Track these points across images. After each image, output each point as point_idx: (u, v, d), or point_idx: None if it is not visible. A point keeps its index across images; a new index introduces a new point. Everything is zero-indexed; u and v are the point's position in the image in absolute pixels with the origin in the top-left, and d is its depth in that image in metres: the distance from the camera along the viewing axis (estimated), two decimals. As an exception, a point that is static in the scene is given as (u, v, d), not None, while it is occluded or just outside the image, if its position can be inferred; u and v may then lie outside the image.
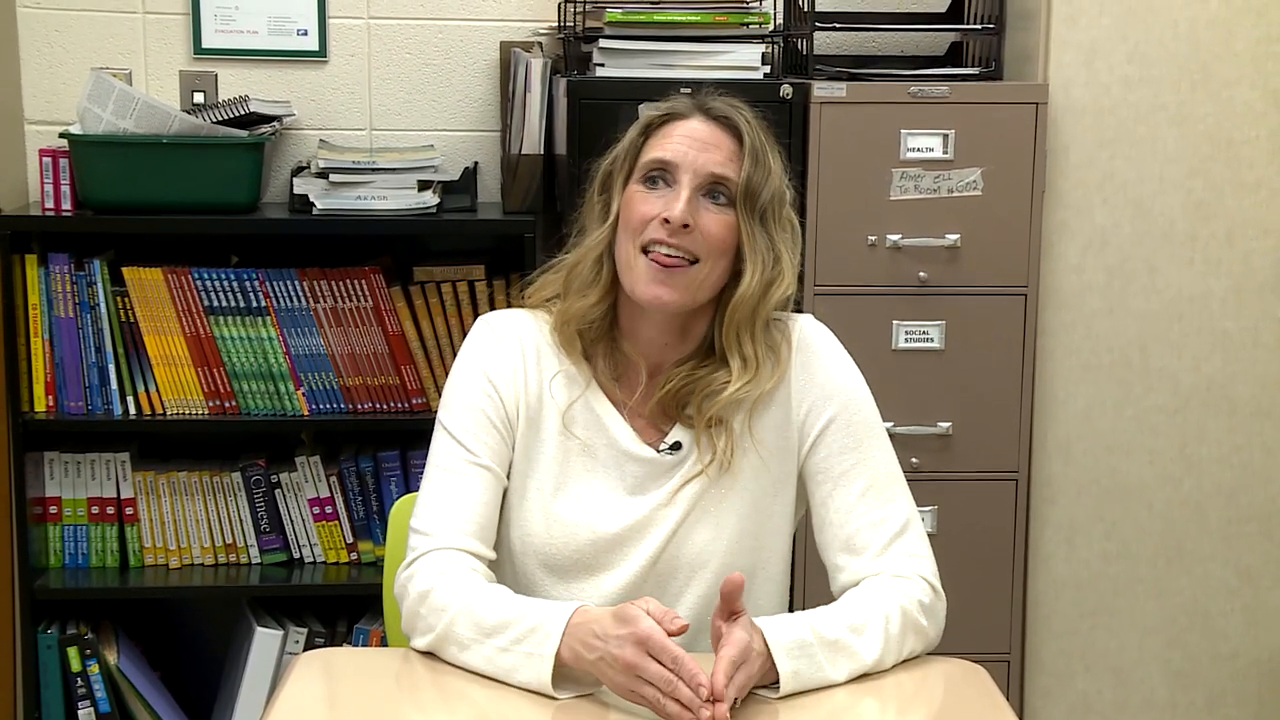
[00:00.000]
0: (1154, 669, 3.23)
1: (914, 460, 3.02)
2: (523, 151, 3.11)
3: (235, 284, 3.13)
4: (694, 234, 1.89)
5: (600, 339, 1.99)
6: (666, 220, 1.88)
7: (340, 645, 3.18)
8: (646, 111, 1.99)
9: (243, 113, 3.11)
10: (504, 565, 1.98)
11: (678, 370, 1.96)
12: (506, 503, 1.97)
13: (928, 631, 1.88)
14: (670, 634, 1.66)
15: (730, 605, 1.73)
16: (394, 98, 3.39)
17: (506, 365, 1.98)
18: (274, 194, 3.32)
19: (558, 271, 2.01)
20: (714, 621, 1.74)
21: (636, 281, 1.91)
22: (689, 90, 2.06)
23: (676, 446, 1.96)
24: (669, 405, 1.97)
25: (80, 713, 3.15)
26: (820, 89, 2.99)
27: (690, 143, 1.92)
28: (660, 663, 1.65)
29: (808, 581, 2.90)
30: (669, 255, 1.89)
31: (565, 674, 1.74)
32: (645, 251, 1.90)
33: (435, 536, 1.89)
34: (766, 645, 1.73)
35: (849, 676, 1.79)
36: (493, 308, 3.13)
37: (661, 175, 1.92)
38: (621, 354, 1.99)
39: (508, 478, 1.97)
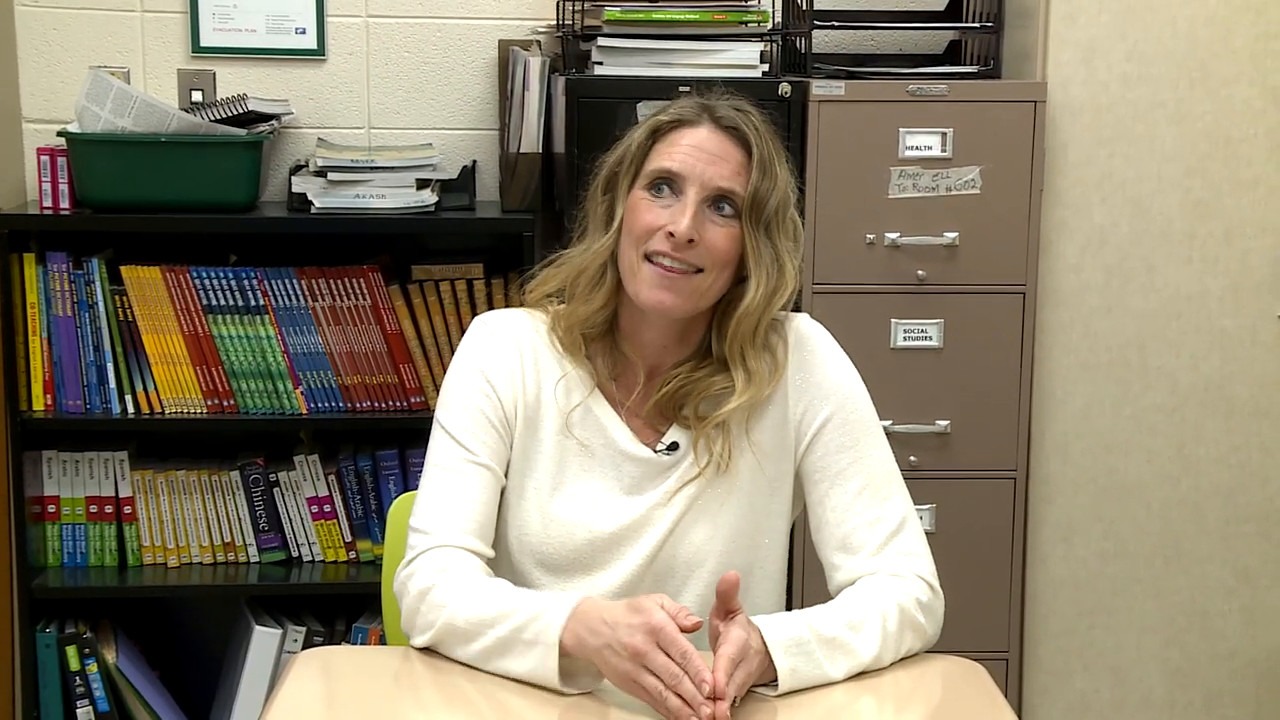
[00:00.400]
0: (1152, 668, 3.23)
1: (912, 459, 3.02)
2: (521, 150, 3.11)
3: (234, 283, 3.13)
4: (698, 248, 1.89)
5: (599, 338, 1.99)
6: (671, 234, 1.88)
7: (339, 644, 3.18)
8: (655, 116, 1.97)
9: (241, 111, 3.11)
10: (501, 564, 1.98)
11: (675, 372, 1.96)
12: (504, 502, 1.97)
13: (925, 629, 1.88)
14: (682, 629, 1.66)
15: (726, 604, 1.73)
16: (392, 96, 3.39)
17: (504, 365, 1.98)
18: (272, 193, 3.32)
19: (559, 267, 2.01)
20: (711, 620, 1.74)
21: (640, 287, 1.91)
22: (688, 89, 2.06)
23: (674, 447, 1.96)
24: (666, 406, 1.97)
25: (79, 712, 3.14)
26: (819, 87, 2.99)
27: (698, 154, 1.91)
28: (669, 655, 1.65)
29: (805, 580, 2.90)
30: (672, 266, 1.89)
31: (566, 667, 1.74)
32: (648, 258, 1.90)
33: (435, 535, 1.89)
34: (764, 643, 1.73)
35: (847, 674, 1.79)
36: (491, 306, 3.13)
37: (667, 183, 1.92)
38: (620, 354, 1.99)
39: (505, 477, 1.97)
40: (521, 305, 2.06)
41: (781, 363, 1.97)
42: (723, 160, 1.91)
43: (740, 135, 1.93)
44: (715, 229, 1.90)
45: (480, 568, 1.88)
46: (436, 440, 1.97)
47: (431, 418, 1.99)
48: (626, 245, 1.92)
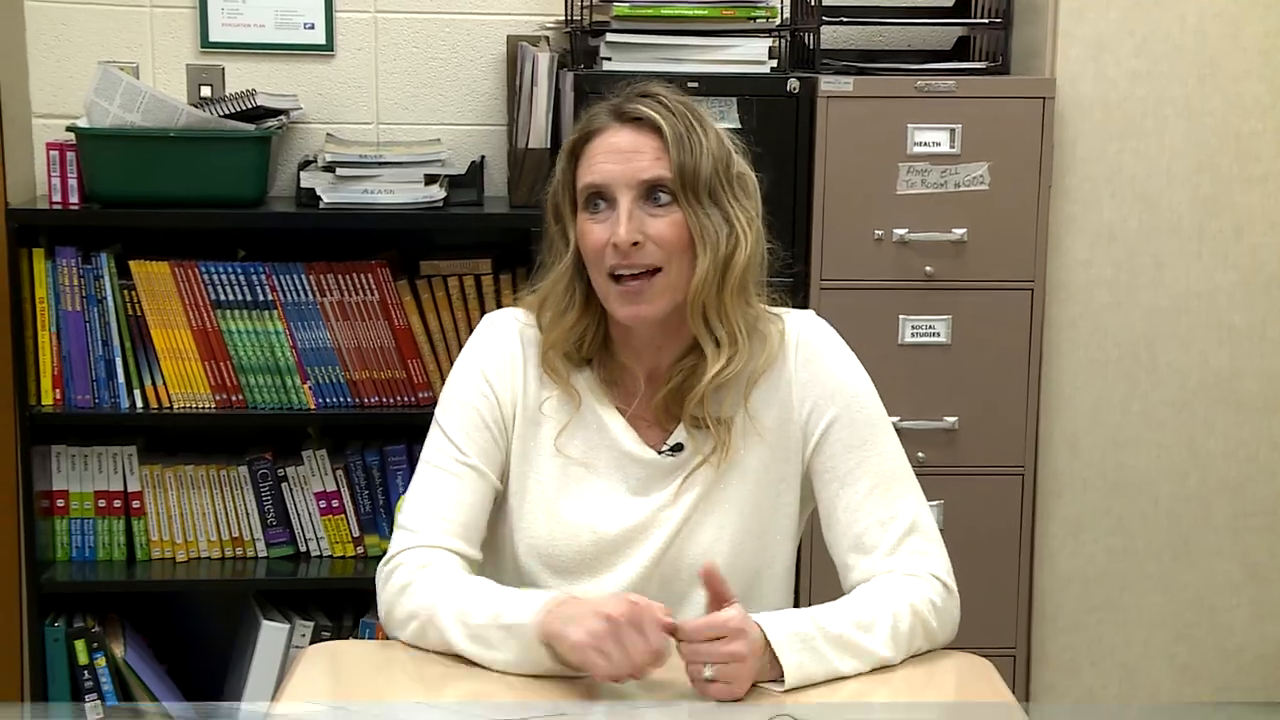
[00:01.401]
0: (1160, 664, 3.23)
1: (920, 455, 3.01)
2: (529, 146, 3.12)
3: (242, 278, 3.13)
4: (646, 246, 1.88)
5: (595, 352, 1.99)
6: (616, 245, 1.87)
7: (346, 638, 3.18)
8: (569, 137, 1.97)
9: (249, 106, 3.11)
10: (506, 565, 1.98)
11: (677, 366, 1.95)
12: (507, 503, 1.97)
13: (936, 633, 1.87)
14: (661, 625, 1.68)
15: (716, 590, 1.74)
16: (401, 91, 3.39)
17: (505, 364, 1.97)
18: (281, 188, 3.32)
19: (534, 295, 2.01)
20: (708, 614, 1.74)
21: (614, 307, 1.91)
22: (694, 85, 2.05)
23: (678, 448, 1.96)
24: (672, 405, 1.96)
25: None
26: (827, 83, 2.99)
27: (613, 157, 1.90)
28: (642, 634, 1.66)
29: (813, 582, 2.90)
30: (632, 276, 1.88)
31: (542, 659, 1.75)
32: (613, 277, 1.90)
33: (419, 534, 1.90)
34: (767, 640, 1.73)
35: (856, 672, 1.78)
36: (499, 302, 3.13)
37: (599, 197, 1.91)
38: (618, 364, 1.99)
39: (504, 479, 1.97)
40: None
41: (776, 345, 1.96)
42: (638, 153, 1.89)
43: (650, 122, 1.91)
44: (656, 221, 1.89)
45: (461, 567, 1.89)
46: (432, 437, 1.98)
47: (439, 413, 1.99)
48: (593, 271, 1.92)
